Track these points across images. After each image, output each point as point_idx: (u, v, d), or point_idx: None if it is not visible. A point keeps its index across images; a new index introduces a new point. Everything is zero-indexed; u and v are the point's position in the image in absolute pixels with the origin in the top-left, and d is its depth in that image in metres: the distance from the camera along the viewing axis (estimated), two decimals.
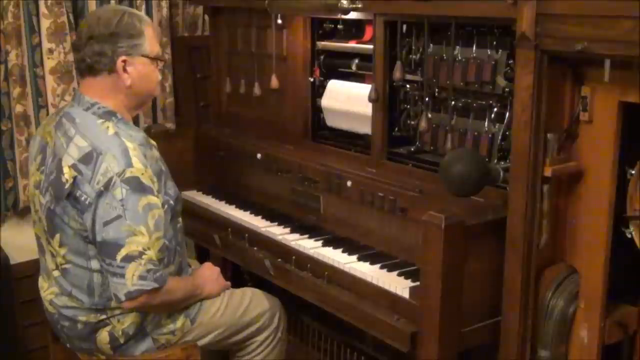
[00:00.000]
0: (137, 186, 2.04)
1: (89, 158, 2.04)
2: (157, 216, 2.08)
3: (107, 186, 2.01)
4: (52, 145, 2.14)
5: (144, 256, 2.03)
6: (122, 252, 2.01)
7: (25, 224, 3.18)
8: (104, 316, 2.17)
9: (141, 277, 2.03)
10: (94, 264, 2.11)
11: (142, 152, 2.11)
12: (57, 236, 2.12)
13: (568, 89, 1.89)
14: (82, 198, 2.03)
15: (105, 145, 2.06)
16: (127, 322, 2.18)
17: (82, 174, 2.03)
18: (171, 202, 2.20)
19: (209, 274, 2.38)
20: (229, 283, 2.44)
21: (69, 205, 2.06)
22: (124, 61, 2.14)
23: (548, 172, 1.86)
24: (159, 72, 2.26)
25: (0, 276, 2.97)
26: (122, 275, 2.02)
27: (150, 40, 2.19)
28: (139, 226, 2.03)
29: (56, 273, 2.19)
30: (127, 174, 2.02)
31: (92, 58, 2.12)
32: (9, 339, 3.03)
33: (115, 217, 2.01)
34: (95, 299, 2.15)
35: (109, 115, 2.15)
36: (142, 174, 2.06)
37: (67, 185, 2.05)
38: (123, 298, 2.05)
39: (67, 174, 2.05)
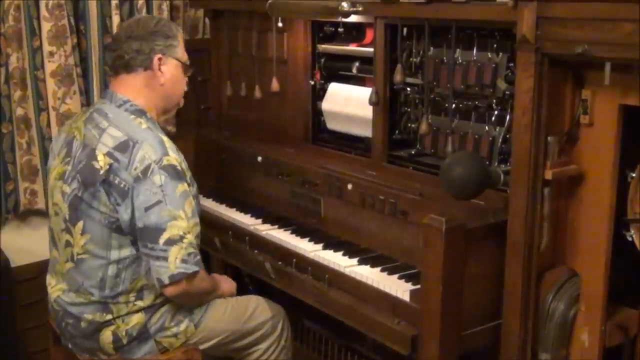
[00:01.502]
0: (174, 174, 2.12)
1: (125, 146, 2.12)
2: (192, 203, 2.16)
3: (146, 172, 2.08)
4: (81, 138, 2.21)
5: (184, 240, 2.10)
6: (165, 236, 2.08)
7: (26, 227, 3.19)
8: (110, 316, 2.19)
9: (183, 261, 2.09)
10: (113, 255, 2.15)
11: (174, 145, 2.21)
12: (80, 223, 2.16)
13: (568, 92, 1.89)
14: (121, 185, 2.10)
15: (141, 136, 2.15)
16: (132, 323, 2.19)
17: (118, 162, 2.10)
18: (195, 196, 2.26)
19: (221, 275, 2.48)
20: (235, 283, 2.50)
21: (101, 191, 2.11)
22: (160, 59, 2.25)
23: (549, 175, 1.86)
24: (185, 81, 2.36)
25: (1, 279, 2.97)
26: (166, 259, 2.08)
27: (182, 47, 2.32)
28: (178, 211, 2.10)
29: (69, 265, 2.21)
30: (164, 162, 2.11)
31: (130, 54, 2.23)
32: (10, 342, 3.03)
33: (155, 203, 2.08)
34: (105, 292, 2.17)
35: (140, 113, 2.23)
36: (178, 163, 2.15)
37: (101, 172, 2.11)
38: (167, 281, 2.10)
39: (102, 161, 2.12)
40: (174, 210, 2.09)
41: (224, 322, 2.35)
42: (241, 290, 2.67)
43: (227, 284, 2.47)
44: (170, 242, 2.08)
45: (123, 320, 2.19)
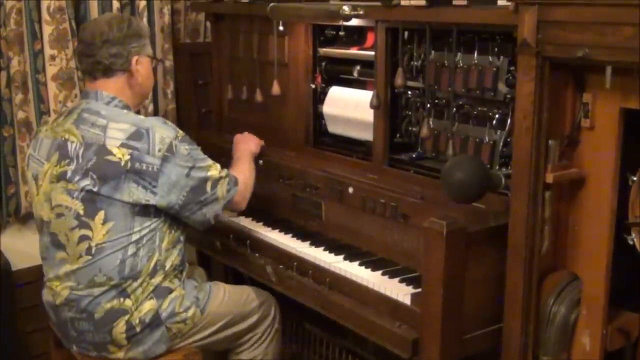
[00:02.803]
0: (191, 142, 2.32)
1: (139, 135, 2.21)
2: None
3: (171, 150, 2.23)
4: (78, 139, 2.25)
5: (222, 178, 2.37)
6: (209, 183, 2.33)
7: (27, 231, 3.18)
8: (129, 301, 2.23)
9: (227, 191, 2.40)
10: (134, 236, 2.24)
11: None
12: (101, 213, 2.21)
13: (569, 95, 1.89)
14: (150, 168, 2.20)
15: (148, 123, 2.26)
16: (145, 310, 2.25)
17: (137, 149, 2.20)
18: None
19: (244, 141, 2.79)
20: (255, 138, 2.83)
21: (126, 181, 2.18)
22: (137, 60, 2.34)
23: (549, 178, 1.86)
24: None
25: (2, 282, 2.97)
26: (216, 198, 2.36)
27: (149, 42, 2.42)
28: (208, 162, 2.35)
29: (80, 262, 2.23)
30: (180, 136, 2.28)
31: (109, 59, 2.29)
32: (11, 345, 3.03)
33: (191, 167, 2.27)
34: (125, 272, 2.23)
35: (128, 108, 2.34)
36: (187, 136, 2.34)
37: (122, 163, 2.19)
38: (220, 210, 2.41)
39: (119, 153, 2.19)
40: (205, 162, 2.32)
41: (224, 307, 2.44)
42: None
43: (250, 145, 2.76)
44: (214, 184, 2.34)
45: (137, 308, 2.24)
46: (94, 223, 2.22)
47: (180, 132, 2.30)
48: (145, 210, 2.23)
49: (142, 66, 2.35)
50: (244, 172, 2.55)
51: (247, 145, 2.74)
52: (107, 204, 2.20)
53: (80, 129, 2.25)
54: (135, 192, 2.19)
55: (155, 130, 2.22)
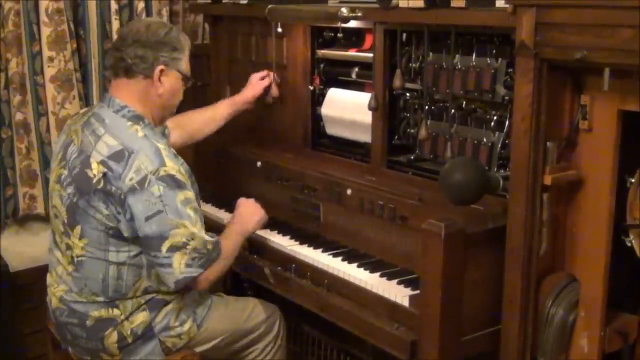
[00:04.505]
0: (173, 183, 2.11)
1: (120, 156, 2.10)
2: (195, 208, 2.17)
3: (143, 184, 2.07)
4: (78, 142, 2.20)
5: (188, 246, 2.13)
6: (167, 244, 2.10)
7: (25, 232, 3.19)
8: (117, 311, 2.20)
9: (188, 265, 2.14)
10: (112, 257, 2.16)
11: (172, 152, 2.19)
12: (78, 228, 2.16)
13: (567, 97, 1.89)
14: (117, 193, 2.08)
15: (137, 145, 2.12)
16: (137, 322, 2.21)
17: (112, 170, 2.09)
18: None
19: (247, 211, 2.47)
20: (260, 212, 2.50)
21: (96, 199, 2.11)
22: (162, 70, 2.21)
23: (548, 180, 1.86)
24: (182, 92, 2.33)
25: (0, 284, 2.97)
26: (170, 265, 2.12)
27: (187, 59, 2.29)
28: (181, 219, 2.11)
29: (70, 268, 2.22)
30: (162, 172, 2.10)
31: (133, 60, 2.18)
32: (9, 347, 3.02)
33: (156, 212, 2.08)
34: (109, 293, 2.19)
35: (137, 119, 2.20)
36: (177, 171, 2.13)
37: (94, 180, 2.10)
38: (172, 286, 2.16)
39: (95, 169, 2.11)
40: (176, 219, 2.10)
41: (224, 323, 2.37)
42: (240, 294, 2.67)
43: (253, 219, 2.45)
44: (173, 249, 2.11)
45: (128, 319, 2.20)
46: (73, 235, 2.18)
47: (167, 169, 2.10)
48: (120, 235, 2.13)
49: (167, 79, 2.21)
50: (225, 253, 2.27)
51: (246, 222, 2.44)
52: (84, 219, 2.13)
53: (83, 133, 2.20)
54: (104, 213, 2.10)
55: (137, 157, 2.09)
